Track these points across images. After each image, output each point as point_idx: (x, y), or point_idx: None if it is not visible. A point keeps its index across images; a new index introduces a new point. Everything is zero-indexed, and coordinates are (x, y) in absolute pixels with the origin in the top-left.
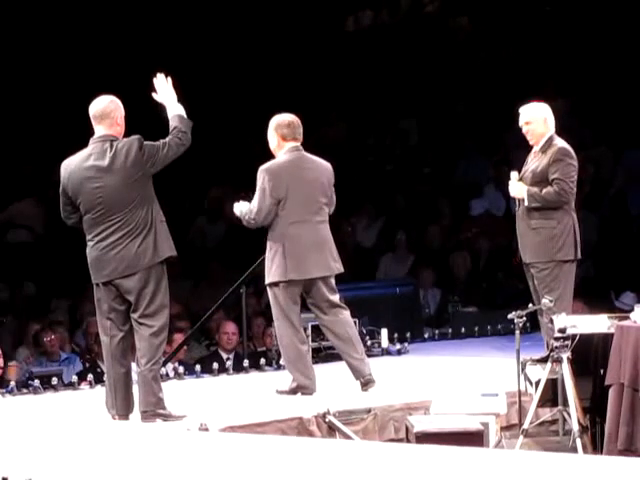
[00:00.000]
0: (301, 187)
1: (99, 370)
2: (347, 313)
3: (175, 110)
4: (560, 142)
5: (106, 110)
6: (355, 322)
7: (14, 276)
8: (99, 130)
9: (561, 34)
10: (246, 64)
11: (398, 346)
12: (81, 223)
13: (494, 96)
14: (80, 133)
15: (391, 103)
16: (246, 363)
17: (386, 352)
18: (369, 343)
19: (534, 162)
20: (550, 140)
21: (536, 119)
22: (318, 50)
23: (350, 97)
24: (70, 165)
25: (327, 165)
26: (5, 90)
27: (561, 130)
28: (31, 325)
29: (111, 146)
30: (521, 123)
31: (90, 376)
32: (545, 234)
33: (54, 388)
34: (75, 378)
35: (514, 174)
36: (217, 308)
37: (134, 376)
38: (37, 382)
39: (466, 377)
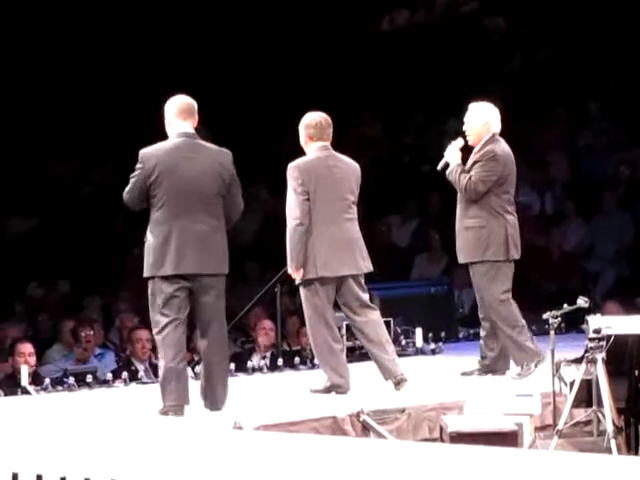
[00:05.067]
0: (329, 185)
1: (133, 368)
2: (377, 313)
3: None
4: (493, 145)
5: (193, 108)
6: (389, 322)
7: (49, 274)
8: (185, 126)
9: (597, 34)
10: (283, 63)
11: (432, 346)
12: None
13: (529, 96)
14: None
15: (425, 103)
16: (280, 362)
17: (420, 352)
18: (403, 343)
19: (469, 162)
20: (486, 143)
21: (475, 120)
22: (353, 49)
23: (385, 96)
24: (158, 152)
25: (355, 165)
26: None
27: (597, 132)
28: (65, 323)
29: (201, 144)
30: (465, 119)
31: (124, 374)
32: (474, 234)
33: (89, 386)
34: (110, 376)
35: (461, 140)
36: (252, 307)
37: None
38: (72, 379)
39: (500, 377)
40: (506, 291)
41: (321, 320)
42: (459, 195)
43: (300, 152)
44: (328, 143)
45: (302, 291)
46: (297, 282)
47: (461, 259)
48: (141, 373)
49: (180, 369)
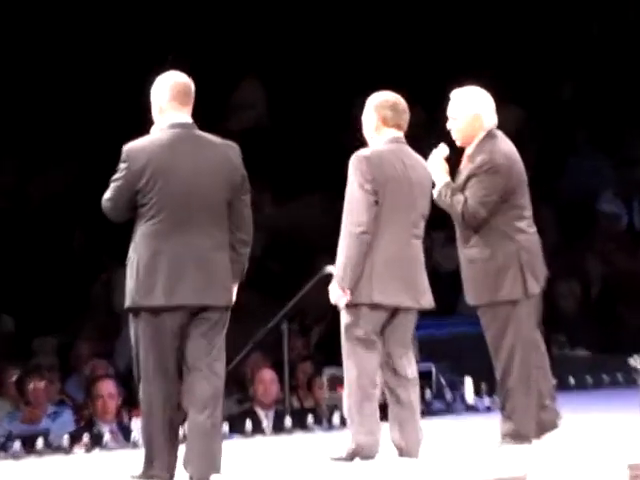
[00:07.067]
0: (401, 188)
1: (96, 430)
2: (416, 369)
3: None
4: (490, 148)
5: (191, 90)
6: (430, 370)
7: None
8: (181, 114)
9: None
10: (288, 56)
11: (487, 401)
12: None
13: (613, 77)
14: None
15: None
16: (288, 422)
17: (472, 408)
18: (449, 397)
19: (462, 172)
20: (480, 145)
21: (462, 116)
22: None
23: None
24: (149, 147)
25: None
26: None
27: None
28: (9, 372)
29: (203, 136)
30: (448, 114)
31: (86, 437)
32: (480, 269)
33: (39, 452)
34: (67, 440)
35: (444, 147)
36: (251, 350)
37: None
38: (18, 444)
39: (576, 441)
40: (527, 335)
41: (363, 355)
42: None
43: (314, 154)
44: (402, 134)
45: (345, 318)
46: (341, 307)
47: (469, 300)
48: (106, 437)
49: (169, 427)
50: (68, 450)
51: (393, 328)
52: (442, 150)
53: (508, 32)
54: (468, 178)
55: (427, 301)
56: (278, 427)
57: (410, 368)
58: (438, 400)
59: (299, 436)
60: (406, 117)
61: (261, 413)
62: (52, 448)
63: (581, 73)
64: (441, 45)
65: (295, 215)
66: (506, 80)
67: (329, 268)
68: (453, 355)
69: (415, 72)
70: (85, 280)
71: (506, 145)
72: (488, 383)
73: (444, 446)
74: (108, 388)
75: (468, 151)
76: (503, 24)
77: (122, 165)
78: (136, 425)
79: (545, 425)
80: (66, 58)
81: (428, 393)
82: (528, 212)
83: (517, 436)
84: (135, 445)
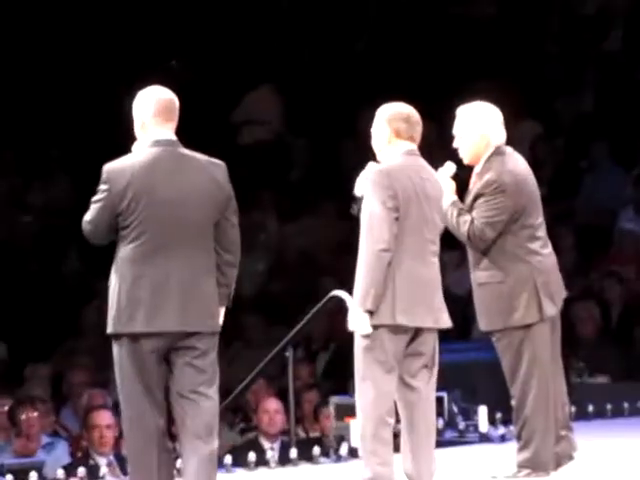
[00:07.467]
0: (420, 203)
1: (92, 462)
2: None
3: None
4: (497, 166)
5: (175, 106)
6: (442, 398)
7: None
8: (164, 131)
9: None
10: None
11: (502, 430)
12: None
13: (633, 89)
14: None
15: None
16: (294, 453)
17: (486, 438)
18: (462, 426)
19: (471, 192)
20: (489, 162)
21: (468, 134)
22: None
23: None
24: (130, 167)
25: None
26: None
27: None
28: (0, 401)
29: (187, 154)
30: (454, 132)
31: (81, 470)
32: (493, 292)
33: None
34: (61, 473)
35: (451, 165)
36: (254, 379)
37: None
38: (10, 478)
39: (595, 472)
40: (544, 360)
41: (380, 381)
42: None
43: (318, 168)
44: (416, 146)
45: (362, 342)
46: (363, 333)
47: (482, 326)
48: (103, 469)
49: (156, 462)
50: None
51: (415, 350)
52: (449, 168)
53: (524, 44)
54: (475, 198)
55: (444, 321)
56: (283, 459)
57: (431, 390)
58: (450, 429)
59: (305, 468)
60: (419, 129)
61: (265, 444)
62: None
63: (600, 85)
64: (454, 56)
65: (301, 233)
66: (522, 93)
67: (336, 292)
68: (466, 382)
69: (425, 84)
70: (77, 305)
71: (515, 162)
72: (503, 411)
73: (457, 477)
74: (105, 418)
75: (477, 169)
76: (518, 35)
77: (102, 186)
78: None
79: (560, 457)
80: (58, 71)
81: (440, 422)
82: (541, 232)
83: (534, 466)
84: None
